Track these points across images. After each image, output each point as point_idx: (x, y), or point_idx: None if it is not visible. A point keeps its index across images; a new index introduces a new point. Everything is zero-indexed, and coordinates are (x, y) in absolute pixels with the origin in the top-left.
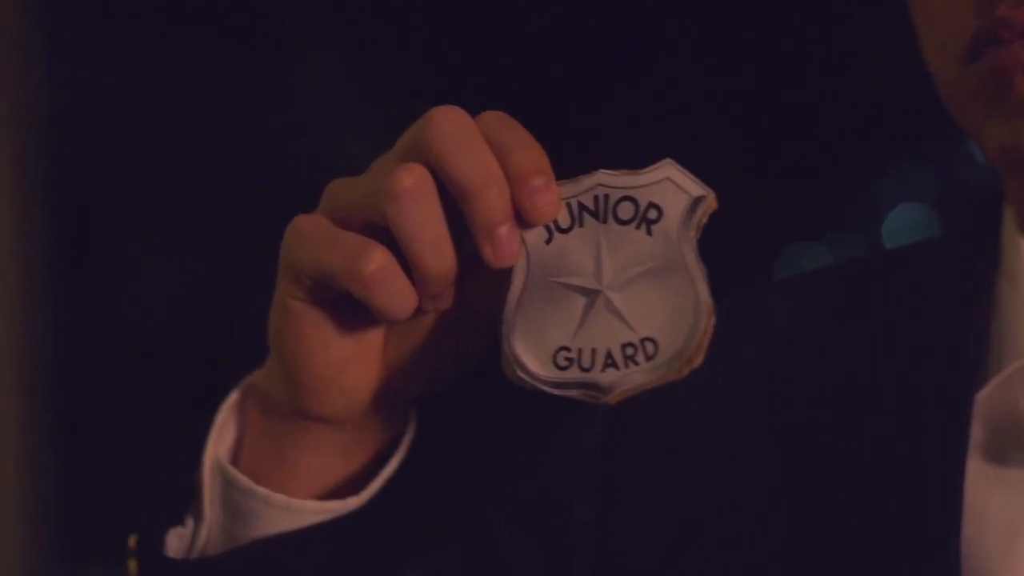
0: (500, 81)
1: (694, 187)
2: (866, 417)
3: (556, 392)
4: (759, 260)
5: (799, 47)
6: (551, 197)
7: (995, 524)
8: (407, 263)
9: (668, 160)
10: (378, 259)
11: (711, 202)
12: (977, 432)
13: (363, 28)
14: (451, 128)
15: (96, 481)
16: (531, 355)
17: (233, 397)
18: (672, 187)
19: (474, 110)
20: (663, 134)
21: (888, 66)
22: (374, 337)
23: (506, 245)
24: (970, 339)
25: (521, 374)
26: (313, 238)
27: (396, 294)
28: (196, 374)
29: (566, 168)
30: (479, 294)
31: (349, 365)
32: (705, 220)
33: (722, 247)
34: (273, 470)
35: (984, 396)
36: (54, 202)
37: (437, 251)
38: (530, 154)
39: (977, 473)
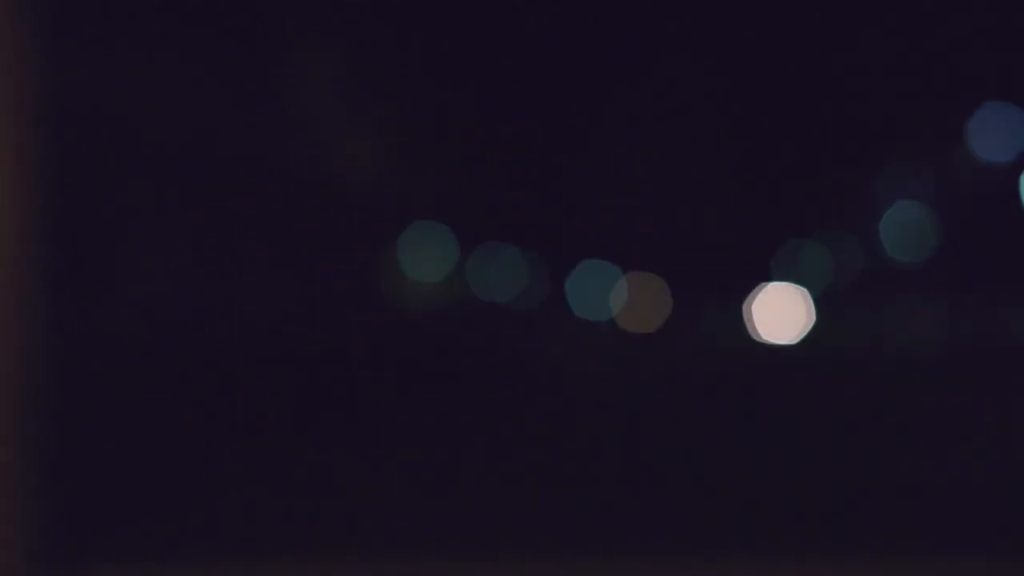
0: (500, 81)
1: None
2: None
3: None
4: (758, 258)
5: (799, 47)
6: None
7: None
8: None
9: None
10: None
11: None
12: None
13: (363, 28)
14: None
15: (96, 481)
16: None
17: None
18: None
19: (474, 110)
20: (663, 134)
21: (887, 66)
22: None
23: None
24: None
25: None
26: None
27: None
28: (196, 374)
29: (565, 169)
30: None
31: None
32: None
33: (722, 246)
34: None
35: None
36: (54, 202)
37: None
38: None
39: None
